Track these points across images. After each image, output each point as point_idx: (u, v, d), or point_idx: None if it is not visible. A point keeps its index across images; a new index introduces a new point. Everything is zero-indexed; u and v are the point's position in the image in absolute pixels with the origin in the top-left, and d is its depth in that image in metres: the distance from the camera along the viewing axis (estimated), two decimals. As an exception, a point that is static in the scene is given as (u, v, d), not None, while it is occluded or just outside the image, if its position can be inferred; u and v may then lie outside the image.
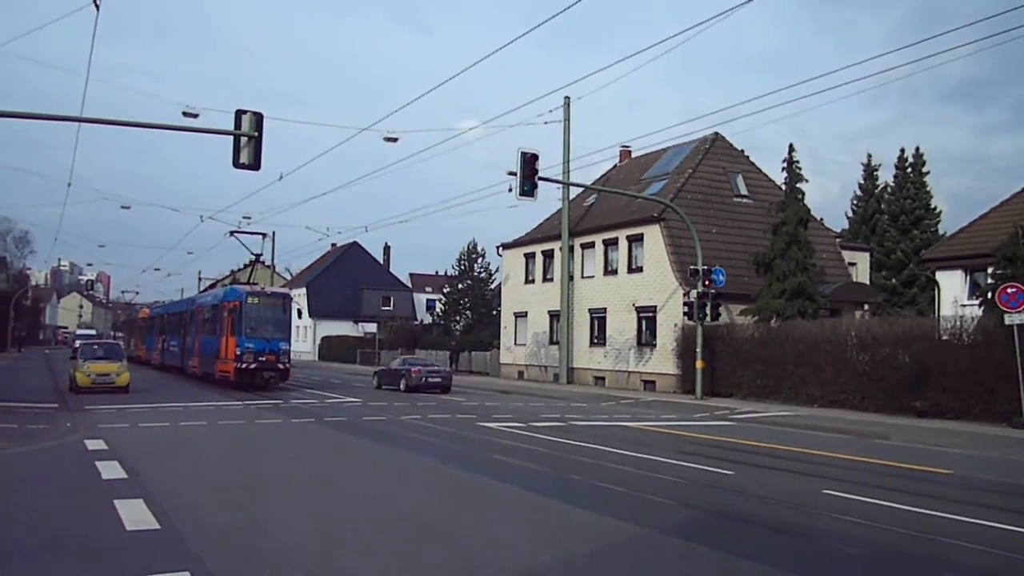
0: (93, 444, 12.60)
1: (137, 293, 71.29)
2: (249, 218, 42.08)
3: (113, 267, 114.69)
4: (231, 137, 16.19)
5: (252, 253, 31.25)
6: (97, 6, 15.87)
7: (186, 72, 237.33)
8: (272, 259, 59.49)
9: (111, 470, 10.17)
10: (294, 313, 28.64)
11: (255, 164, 16.14)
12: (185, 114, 21.36)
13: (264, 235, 31.10)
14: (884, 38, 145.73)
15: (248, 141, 16.01)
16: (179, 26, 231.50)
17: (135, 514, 7.57)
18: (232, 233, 30.85)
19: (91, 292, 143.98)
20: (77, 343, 37.54)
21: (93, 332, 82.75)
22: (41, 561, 6.33)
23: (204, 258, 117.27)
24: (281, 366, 26.51)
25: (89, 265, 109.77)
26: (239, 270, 68.78)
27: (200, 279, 72.54)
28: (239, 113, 16.07)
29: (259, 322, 26.48)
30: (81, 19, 18.03)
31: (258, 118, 16.09)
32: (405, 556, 6.72)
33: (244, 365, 25.66)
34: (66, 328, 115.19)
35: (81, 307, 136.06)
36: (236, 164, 16.14)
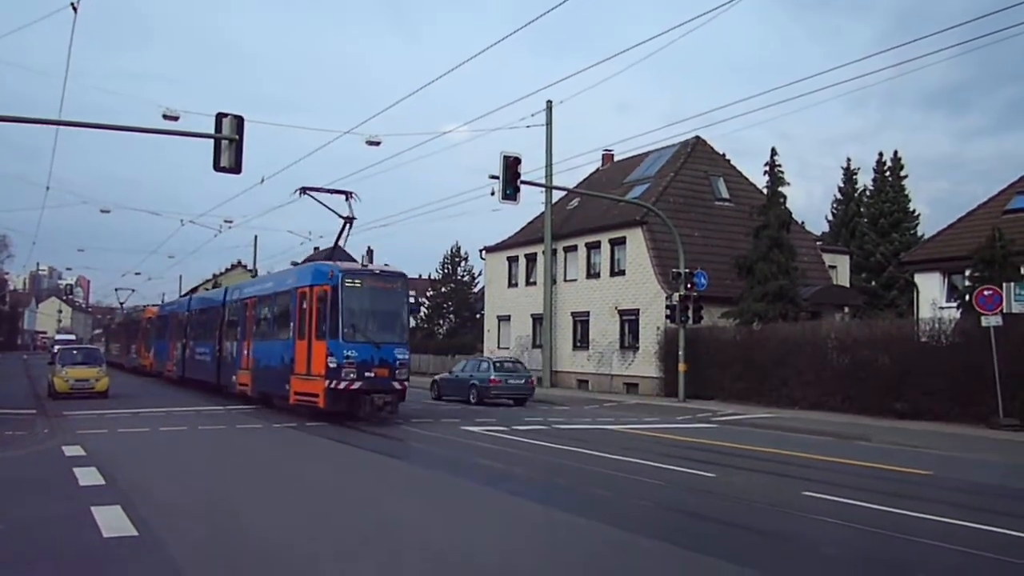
0: (71, 450, 12.47)
1: (133, 291, 62.89)
2: (231, 222, 41.70)
3: (93, 271, 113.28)
4: (212, 140, 16.09)
5: (340, 216, 20.37)
6: (75, 8, 15.73)
7: (167, 75, 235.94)
8: (254, 263, 59.17)
9: (89, 476, 10.07)
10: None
11: (236, 167, 16.04)
12: (165, 117, 21.22)
13: (349, 194, 20.25)
14: (869, 44, 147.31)
15: (229, 144, 15.92)
16: (160, 29, 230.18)
17: (113, 521, 7.49)
18: (304, 191, 20.64)
19: (70, 297, 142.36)
20: (56, 348, 36.64)
21: (72, 337, 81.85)
22: (17, 569, 6.25)
23: (185, 262, 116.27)
24: (398, 384, 18.15)
25: (68, 269, 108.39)
26: (221, 274, 68.20)
27: (181, 283, 71.97)
28: (220, 116, 15.98)
29: (364, 316, 18.07)
30: (59, 22, 17.90)
31: (239, 121, 16.00)
32: (387, 562, 6.70)
33: (342, 384, 17.34)
34: (45, 333, 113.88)
35: (60, 312, 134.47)
36: (217, 167, 16.05)
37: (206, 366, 27.36)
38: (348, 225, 20.39)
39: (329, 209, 20.25)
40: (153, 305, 46.70)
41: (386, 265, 19.14)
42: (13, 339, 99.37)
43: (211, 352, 26.78)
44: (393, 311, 18.70)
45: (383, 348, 17.87)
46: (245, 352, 22.89)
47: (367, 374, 17.53)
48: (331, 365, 17.36)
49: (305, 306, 18.72)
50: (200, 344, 28.75)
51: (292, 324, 19.43)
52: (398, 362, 18.09)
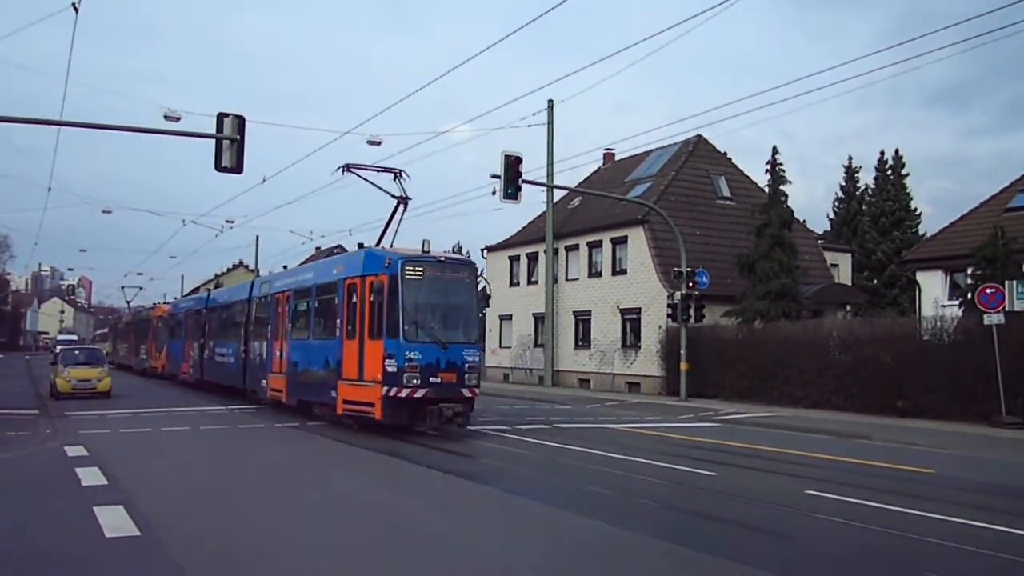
0: (73, 450, 12.48)
1: (141, 289, 60.43)
2: (232, 222, 41.71)
3: (95, 272, 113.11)
4: (213, 140, 16.09)
5: (392, 196, 18.18)
6: (76, 8, 15.73)
7: (168, 75, 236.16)
8: (256, 263, 59.20)
9: (91, 476, 10.09)
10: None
11: (237, 167, 16.04)
12: (167, 117, 21.21)
13: (398, 172, 18.21)
14: (870, 42, 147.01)
15: (230, 144, 15.91)
16: (161, 29, 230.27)
17: (115, 521, 7.51)
18: (348, 168, 18.48)
19: (72, 297, 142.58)
20: (58, 348, 36.40)
21: (75, 337, 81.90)
22: (19, 569, 6.26)
23: (187, 262, 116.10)
24: (467, 392, 15.46)
25: (70, 270, 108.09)
26: (223, 274, 68.21)
27: (183, 283, 71.96)
28: (221, 116, 15.98)
29: (428, 311, 15.57)
30: (61, 22, 17.93)
31: (240, 121, 15.99)
32: (387, 561, 6.71)
33: (403, 392, 14.71)
34: (47, 333, 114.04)
35: (62, 312, 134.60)
36: (218, 167, 16.04)
37: (228, 368, 24.87)
38: (403, 207, 18.17)
39: (379, 188, 18.41)
40: (164, 303, 44.27)
41: (450, 253, 16.91)
42: (15, 339, 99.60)
43: (235, 353, 24.33)
44: (461, 305, 16.10)
45: (450, 349, 15.21)
46: (277, 353, 20.31)
47: (432, 379, 14.90)
48: (389, 369, 14.80)
49: (355, 300, 16.12)
50: (222, 344, 26.26)
51: (339, 321, 16.86)
52: (467, 365, 15.47)
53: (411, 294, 15.15)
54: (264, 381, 21.05)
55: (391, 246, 17.32)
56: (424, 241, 16.23)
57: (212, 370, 27.14)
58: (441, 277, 15.85)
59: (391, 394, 14.72)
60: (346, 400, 16.16)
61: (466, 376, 15.38)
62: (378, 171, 18.59)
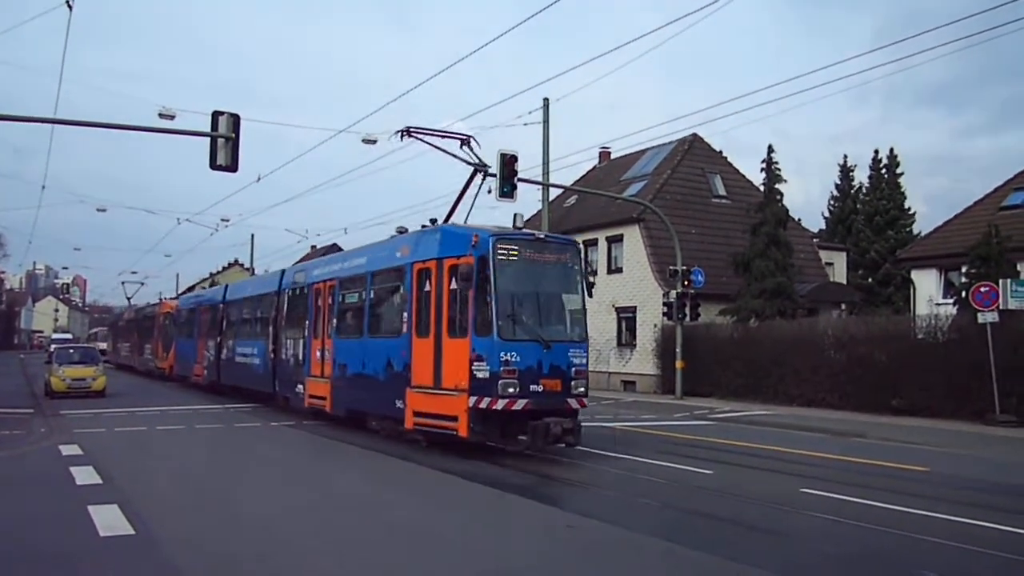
0: (68, 449, 12.46)
1: (143, 284, 56.30)
2: (227, 220, 41.54)
3: (89, 270, 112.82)
4: (208, 139, 16.05)
5: (467, 163, 15.69)
6: (70, 7, 15.68)
7: (163, 73, 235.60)
8: (251, 261, 59.07)
9: (85, 475, 10.07)
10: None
11: (232, 166, 15.98)
12: (161, 116, 21.14)
13: (467, 139, 15.66)
14: (867, 41, 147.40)
15: (225, 142, 15.86)
16: (156, 27, 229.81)
17: (110, 520, 7.49)
18: (408, 132, 15.96)
19: (67, 296, 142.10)
20: (53, 347, 36.08)
21: (69, 336, 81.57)
22: (13, 569, 6.24)
23: (182, 261, 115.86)
24: (575, 402, 12.62)
25: (65, 268, 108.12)
26: (218, 272, 68.04)
27: (178, 281, 71.74)
28: (216, 114, 15.92)
29: (526, 302, 12.71)
30: (54, 20, 17.85)
31: (235, 119, 15.94)
32: (384, 558, 6.70)
33: (498, 403, 11.84)
34: (42, 332, 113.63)
35: (57, 311, 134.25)
36: (213, 166, 15.99)
37: (253, 370, 21.93)
38: (482, 176, 15.64)
39: (450, 154, 15.90)
40: (171, 298, 41.24)
41: (549, 232, 13.63)
42: (10, 338, 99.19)
43: (261, 353, 21.37)
44: (566, 294, 13.27)
45: (554, 349, 12.30)
46: (318, 354, 17.34)
47: (533, 387, 12.02)
48: (479, 374, 11.95)
49: (428, 289, 13.25)
50: (245, 343, 23.29)
51: (406, 315, 13.80)
52: (574, 369, 12.55)
53: (506, 280, 12.29)
54: (300, 386, 18.18)
55: (465, 223, 14.61)
56: (515, 215, 13.70)
57: (232, 372, 24.26)
58: (541, 259, 12.94)
59: (482, 405, 11.87)
60: (418, 412, 13.25)
61: (573, 383, 12.53)
62: (442, 136, 16.08)
